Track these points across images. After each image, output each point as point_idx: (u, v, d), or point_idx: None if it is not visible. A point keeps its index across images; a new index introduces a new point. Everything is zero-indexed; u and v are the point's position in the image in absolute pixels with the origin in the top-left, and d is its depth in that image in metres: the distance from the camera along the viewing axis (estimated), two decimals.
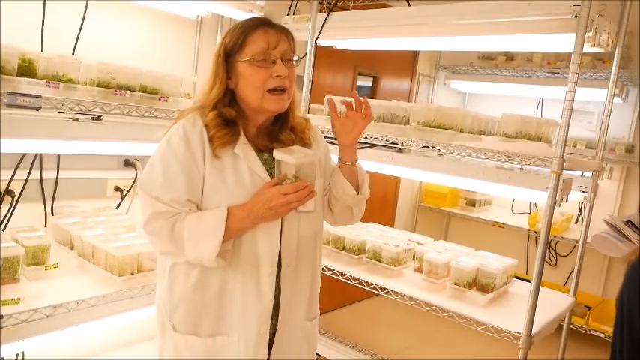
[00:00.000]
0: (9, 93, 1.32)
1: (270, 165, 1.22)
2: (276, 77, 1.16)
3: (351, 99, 1.26)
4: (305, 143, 1.29)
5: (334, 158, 1.38)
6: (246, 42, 1.15)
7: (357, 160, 1.32)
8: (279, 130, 1.25)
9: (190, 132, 1.14)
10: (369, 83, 3.64)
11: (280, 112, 1.21)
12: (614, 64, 2.09)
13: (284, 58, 1.17)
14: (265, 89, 1.16)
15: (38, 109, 1.38)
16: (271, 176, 1.20)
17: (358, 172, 1.32)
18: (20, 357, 1.80)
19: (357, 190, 1.31)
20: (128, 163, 2.12)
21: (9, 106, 1.32)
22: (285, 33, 1.20)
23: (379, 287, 2.04)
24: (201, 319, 1.19)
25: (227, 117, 1.16)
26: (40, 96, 1.38)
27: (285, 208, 1.13)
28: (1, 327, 1.29)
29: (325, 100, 1.25)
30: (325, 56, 2.85)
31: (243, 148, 1.18)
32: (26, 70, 1.47)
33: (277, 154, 1.17)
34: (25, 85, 1.44)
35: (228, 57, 1.17)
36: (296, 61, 1.21)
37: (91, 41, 1.96)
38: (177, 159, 1.13)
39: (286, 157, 1.16)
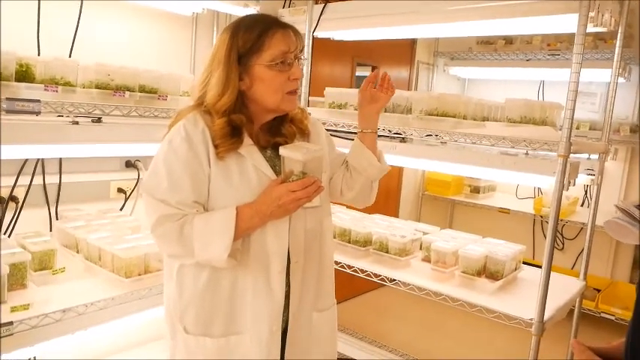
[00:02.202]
0: (8, 99, 1.31)
1: (274, 162, 1.21)
2: (293, 80, 1.17)
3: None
4: (304, 133, 1.29)
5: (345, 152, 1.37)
6: (265, 44, 1.13)
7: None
8: (280, 123, 1.25)
9: (192, 132, 1.13)
10: (368, 73, 3.61)
11: (293, 111, 1.23)
12: (618, 43, 2.06)
13: (296, 58, 1.18)
14: (284, 92, 1.16)
15: (38, 113, 1.37)
16: (276, 173, 1.19)
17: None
18: None
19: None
20: (130, 164, 2.11)
21: (8, 112, 1.30)
22: (297, 32, 1.19)
23: (387, 278, 2.03)
24: (212, 320, 1.18)
25: (236, 124, 1.14)
26: (39, 100, 1.37)
27: (294, 205, 1.12)
28: (12, 333, 1.29)
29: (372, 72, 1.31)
30: (323, 48, 2.82)
31: (248, 149, 1.16)
32: (24, 74, 1.46)
33: (283, 151, 1.15)
34: (24, 90, 1.42)
35: (240, 59, 1.14)
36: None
37: (87, 43, 1.94)
38: (181, 160, 1.12)
39: (293, 154, 1.13)
